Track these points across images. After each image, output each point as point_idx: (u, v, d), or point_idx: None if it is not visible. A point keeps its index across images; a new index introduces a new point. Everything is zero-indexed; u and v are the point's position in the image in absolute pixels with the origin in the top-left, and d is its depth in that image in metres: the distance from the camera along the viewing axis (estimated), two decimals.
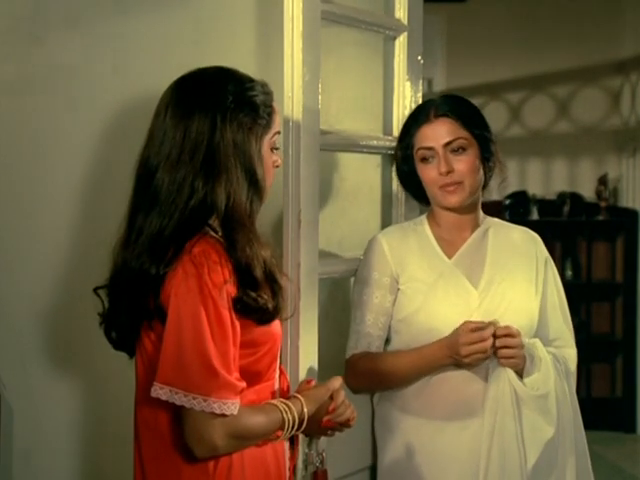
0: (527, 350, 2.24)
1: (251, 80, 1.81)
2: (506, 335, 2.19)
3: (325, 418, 1.89)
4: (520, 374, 2.23)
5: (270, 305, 1.75)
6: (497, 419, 2.22)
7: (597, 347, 6.25)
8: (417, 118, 2.35)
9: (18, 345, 2.06)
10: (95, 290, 1.84)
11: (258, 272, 1.72)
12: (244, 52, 2.38)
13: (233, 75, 1.80)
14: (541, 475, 2.25)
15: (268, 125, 1.80)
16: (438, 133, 2.30)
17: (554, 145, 6.55)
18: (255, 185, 1.76)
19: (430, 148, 2.30)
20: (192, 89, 1.77)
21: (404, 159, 2.38)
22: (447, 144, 2.29)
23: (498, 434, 2.22)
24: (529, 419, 2.23)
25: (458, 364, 2.22)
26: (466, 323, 2.20)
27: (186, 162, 1.72)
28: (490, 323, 2.20)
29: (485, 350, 2.17)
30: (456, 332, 2.20)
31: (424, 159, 2.32)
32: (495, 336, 2.18)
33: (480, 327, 2.18)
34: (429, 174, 2.31)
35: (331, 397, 1.91)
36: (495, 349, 2.19)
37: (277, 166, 1.88)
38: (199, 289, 1.67)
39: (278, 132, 1.85)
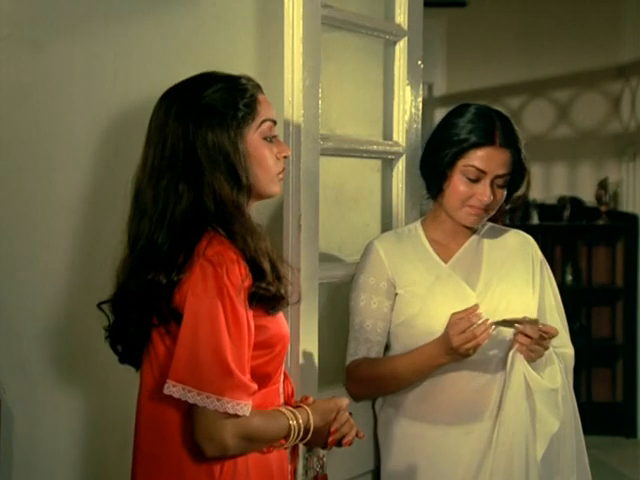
0: None
1: (227, 79, 1.81)
2: (546, 332, 2.20)
3: (330, 439, 1.88)
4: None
5: (282, 291, 1.76)
6: (508, 413, 2.22)
7: (598, 351, 6.24)
8: (481, 135, 2.27)
9: (18, 350, 2.06)
10: (99, 305, 1.84)
11: (264, 262, 1.73)
12: (245, 57, 2.39)
13: (208, 78, 1.81)
14: (548, 469, 2.26)
15: (248, 117, 1.79)
16: (498, 162, 2.27)
17: (554, 150, 6.54)
18: (237, 179, 1.76)
19: (482, 171, 2.27)
20: (167, 101, 1.80)
21: (449, 163, 2.29)
22: (498, 176, 2.28)
23: (504, 428, 2.23)
24: (540, 413, 2.23)
25: (456, 359, 2.21)
26: (453, 315, 2.18)
27: (167, 170, 1.75)
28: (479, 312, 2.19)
29: (474, 333, 2.14)
30: (446, 327, 2.19)
31: (468, 177, 2.28)
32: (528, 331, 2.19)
33: (467, 312, 2.17)
34: (464, 190, 2.28)
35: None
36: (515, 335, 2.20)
37: (285, 156, 1.87)
38: (217, 288, 1.67)
39: (268, 120, 1.82)
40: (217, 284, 1.67)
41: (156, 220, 1.74)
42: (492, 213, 2.34)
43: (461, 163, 2.28)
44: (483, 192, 2.26)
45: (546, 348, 2.22)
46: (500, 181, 2.29)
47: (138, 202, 1.78)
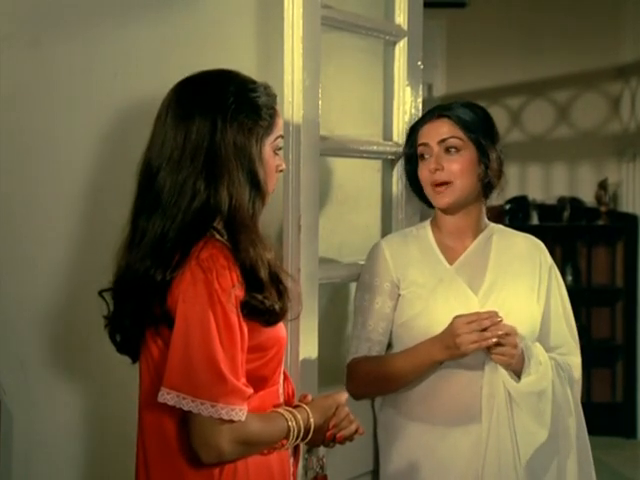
0: (527, 352, 2.24)
1: (253, 82, 1.81)
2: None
3: (328, 433, 1.88)
4: (518, 375, 2.23)
5: (277, 306, 1.74)
6: (492, 418, 2.23)
7: (597, 352, 6.24)
8: (423, 118, 2.40)
9: (18, 350, 2.06)
10: (100, 293, 1.83)
11: (263, 274, 1.72)
12: (244, 57, 2.38)
13: (235, 77, 1.80)
14: (535, 477, 2.25)
15: (270, 127, 1.80)
16: (435, 131, 2.32)
17: (554, 150, 6.55)
18: (257, 186, 1.76)
19: (426, 144, 2.33)
20: (192, 91, 1.77)
21: (408, 157, 2.41)
22: (441, 141, 2.31)
23: (494, 433, 2.23)
24: (521, 421, 2.23)
25: (453, 357, 2.20)
26: (458, 318, 2.17)
27: (187, 163, 1.72)
28: (492, 312, 2.19)
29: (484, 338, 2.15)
30: (449, 327, 2.18)
31: (421, 156, 2.35)
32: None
33: (474, 318, 2.17)
34: (423, 172, 2.34)
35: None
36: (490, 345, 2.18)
37: (281, 171, 1.87)
38: (208, 294, 1.67)
39: (281, 136, 1.85)
40: (207, 290, 1.67)
41: (169, 213, 1.72)
42: (460, 185, 2.29)
43: (418, 148, 2.37)
44: (430, 162, 2.31)
45: (514, 346, 2.18)
46: (448, 144, 2.30)
47: (152, 189, 1.75)
